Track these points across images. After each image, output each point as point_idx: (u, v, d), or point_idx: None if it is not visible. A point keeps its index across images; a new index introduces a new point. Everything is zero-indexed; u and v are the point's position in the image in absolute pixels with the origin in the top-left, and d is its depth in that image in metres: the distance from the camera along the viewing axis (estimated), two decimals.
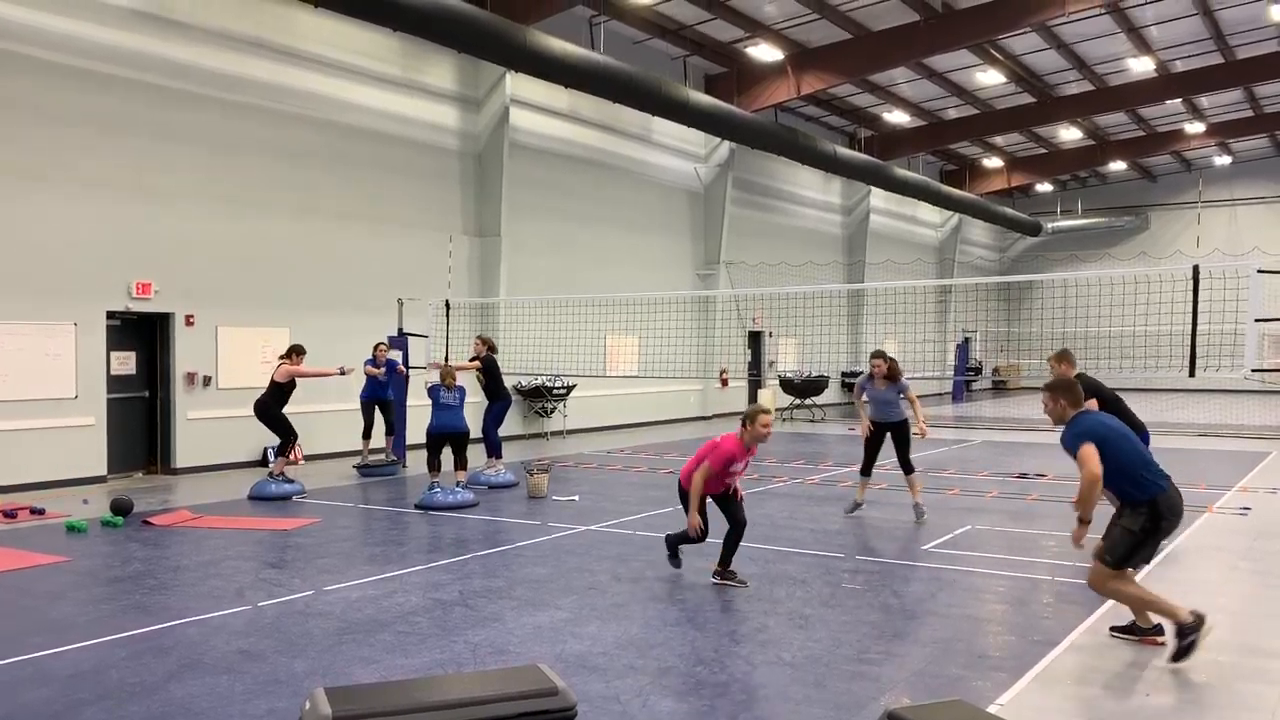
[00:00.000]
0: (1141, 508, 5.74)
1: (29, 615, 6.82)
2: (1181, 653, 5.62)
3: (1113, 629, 6.26)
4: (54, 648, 6.03)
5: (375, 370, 14.20)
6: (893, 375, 10.37)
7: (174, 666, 5.70)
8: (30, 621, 6.65)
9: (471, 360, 13.35)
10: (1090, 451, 5.70)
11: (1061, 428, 6.03)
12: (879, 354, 10.45)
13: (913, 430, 10.48)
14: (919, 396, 10.67)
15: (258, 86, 14.74)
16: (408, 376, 14.81)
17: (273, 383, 12.27)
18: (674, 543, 7.88)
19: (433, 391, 11.91)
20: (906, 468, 10.53)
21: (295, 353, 12.37)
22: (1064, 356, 8.45)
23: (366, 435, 14.33)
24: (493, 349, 13.45)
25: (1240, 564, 8.45)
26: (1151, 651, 5.94)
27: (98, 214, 12.93)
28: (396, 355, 14.70)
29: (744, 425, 7.49)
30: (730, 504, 7.70)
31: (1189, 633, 5.60)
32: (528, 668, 4.52)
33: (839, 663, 5.79)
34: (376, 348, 14.38)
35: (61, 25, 12.53)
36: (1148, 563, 5.76)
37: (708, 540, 7.61)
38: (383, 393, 14.36)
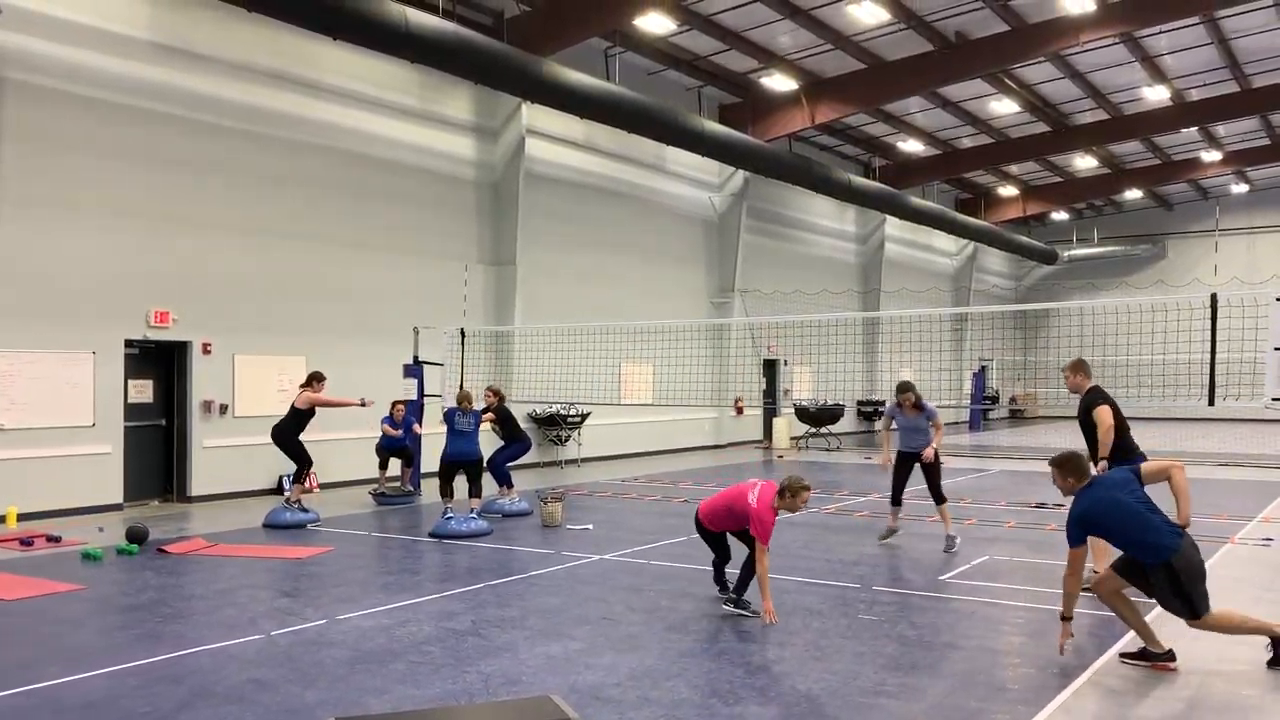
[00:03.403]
0: (1159, 571, 5.85)
1: (44, 643, 6.82)
2: (1133, 659, 6.10)
3: (1123, 656, 6.23)
4: (67, 676, 6.02)
5: (394, 431, 14.16)
6: (919, 404, 10.34)
7: (186, 696, 5.68)
8: (45, 649, 6.65)
9: (484, 413, 13.35)
10: (1072, 558, 5.98)
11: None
12: (907, 387, 10.37)
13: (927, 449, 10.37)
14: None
15: (276, 118, 14.91)
16: (421, 388, 14.77)
17: (292, 409, 12.27)
18: (741, 588, 7.60)
19: (448, 415, 11.94)
20: (937, 498, 10.46)
21: (316, 380, 12.36)
22: (1079, 367, 8.50)
23: (383, 468, 14.33)
24: (502, 398, 13.48)
25: (1264, 596, 8.32)
26: (1173, 681, 5.84)
27: (116, 243, 13.06)
28: (412, 384, 14.71)
29: (782, 495, 7.39)
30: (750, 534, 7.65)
31: (1152, 657, 6.03)
32: (541, 699, 4.49)
33: (856, 695, 5.72)
34: (394, 406, 14.32)
35: (83, 58, 12.72)
36: (1205, 606, 5.99)
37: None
38: (398, 444, 14.33)
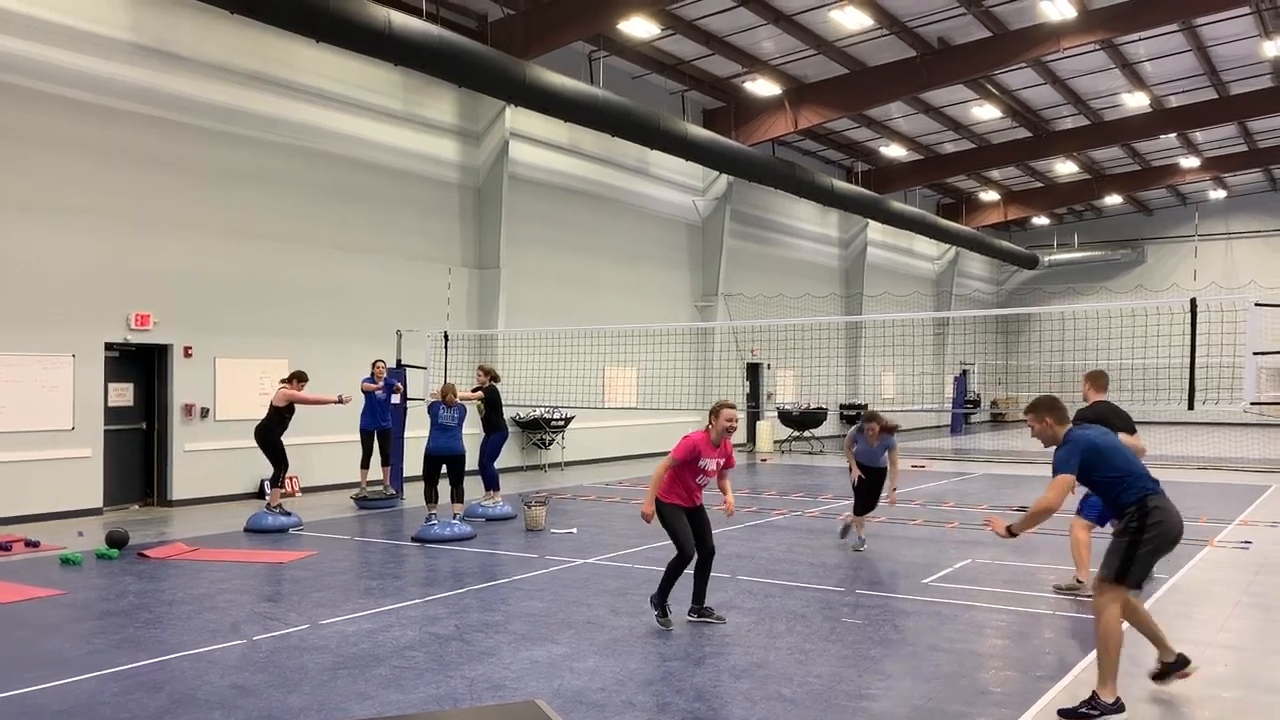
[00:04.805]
0: (1130, 508, 5.52)
1: (21, 649, 6.75)
2: (1157, 676, 5.78)
3: (1061, 712, 5.61)
4: (45, 682, 5.96)
5: (374, 386, 14.12)
6: (883, 433, 10.41)
7: (166, 702, 5.64)
8: (22, 655, 6.58)
9: (474, 390, 13.35)
10: (1060, 483, 5.54)
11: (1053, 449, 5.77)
12: (874, 417, 10.43)
13: (884, 495, 10.56)
14: (908, 430, 10.67)
15: (259, 119, 14.83)
16: (405, 397, 14.75)
17: (272, 407, 12.23)
18: (662, 593, 7.33)
19: (432, 409, 11.88)
20: (868, 508, 10.72)
21: (296, 379, 12.34)
22: (1092, 378, 8.50)
23: (365, 465, 14.27)
24: (495, 379, 13.45)
25: (1243, 599, 8.40)
26: (1156, 687, 5.88)
27: (97, 245, 12.96)
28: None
29: (710, 419, 7.38)
30: (701, 526, 7.43)
31: (1167, 674, 5.74)
32: (525, 704, 4.47)
33: (840, 699, 5.73)
34: (375, 364, 14.33)
35: (64, 58, 12.62)
36: (1139, 585, 5.64)
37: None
38: (383, 420, 14.28)
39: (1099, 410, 8.11)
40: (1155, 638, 5.87)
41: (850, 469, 10.64)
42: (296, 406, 12.36)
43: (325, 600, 8.19)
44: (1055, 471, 5.64)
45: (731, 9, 18.07)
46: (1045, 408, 5.85)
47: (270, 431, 12.15)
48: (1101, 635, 5.49)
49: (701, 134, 20.25)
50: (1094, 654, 6.42)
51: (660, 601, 7.34)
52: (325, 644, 6.84)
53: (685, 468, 7.28)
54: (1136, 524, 5.48)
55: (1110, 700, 5.37)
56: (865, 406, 28.61)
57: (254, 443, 12.34)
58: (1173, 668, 5.84)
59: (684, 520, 7.31)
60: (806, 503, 14.63)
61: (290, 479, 13.92)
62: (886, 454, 10.43)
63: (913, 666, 6.38)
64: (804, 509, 13.92)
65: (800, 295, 26.04)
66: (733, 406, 7.42)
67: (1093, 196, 34.22)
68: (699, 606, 7.52)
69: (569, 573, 9.40)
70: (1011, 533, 5.77)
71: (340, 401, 12.88)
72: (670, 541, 7.38)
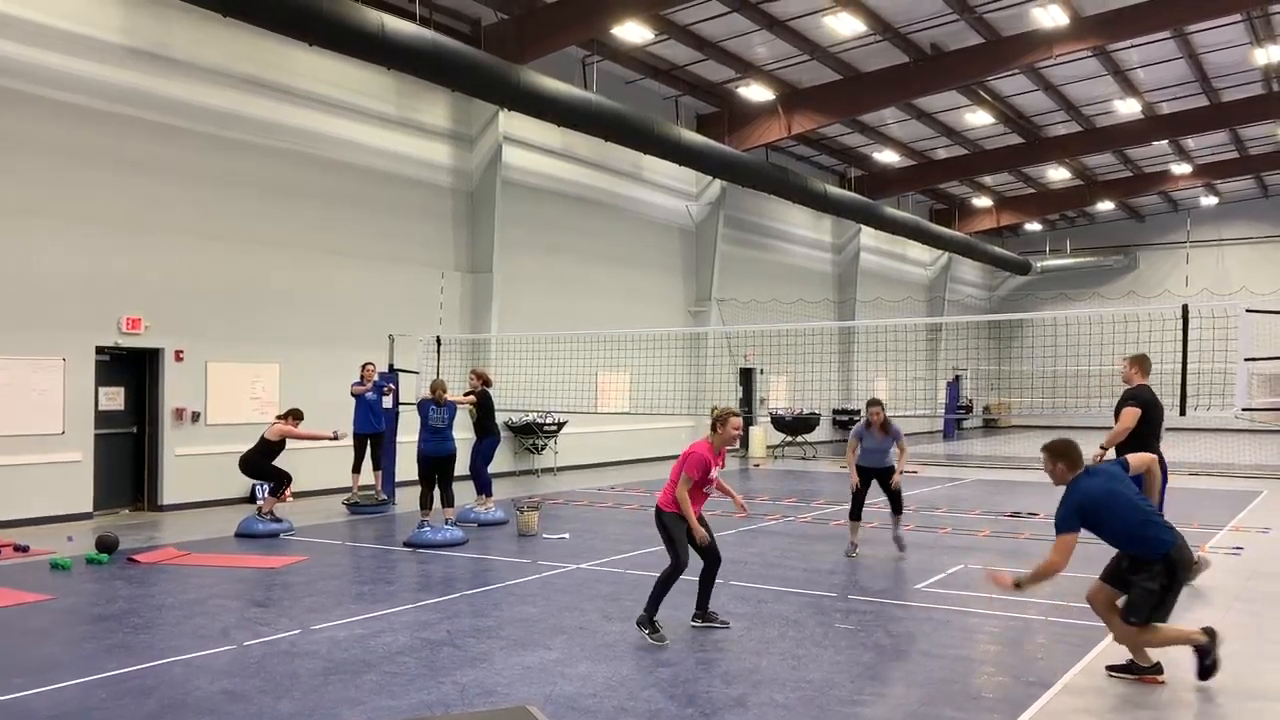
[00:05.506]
0: (1156, 565, 5.81)
1: (11, 654, 6.71)
2: (1206, 672, 5.89)
3: (1110, 668, 6.23)
4: (35, 687, 5.93)
5: (362, 388, 14.11)
6: (886, 425, 10.41)
7: (156, 707, 5.61)
8: (12, 660, 6.54)
9: (467, 395, 13.33)
10: (1062, 544, 5.79)
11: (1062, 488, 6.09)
12: (878, 401, 10.46)
13: (895, 474, 10.54)
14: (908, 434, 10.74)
15: (252, 123, 14.80)
16: (397, 400, 14.74)
17: (263, 439, 12.31)
18: (653, 606, 7.14)
19: (422, 408, 11.89)
20: (899, 509, 10.61)
21: (292, 415, 12.46)
22: (1138, 361, 8.98)
23: (356, 469, 14.25)
24: (487, 383, 13.44)
25: (1235, 604, 8.41)
26: (1148, 690, 5.89)
27: (89, 248, 12.91)
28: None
29: (714, 429, 7.33)
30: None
31: (1139, 670, 6.01)
32: (517, 709, 4.46)
33: (832, 704, 5.72)
34: (364, 367, 14.34)
35: (57, 62, 12.58)
36: (1164, 620, 5.95)
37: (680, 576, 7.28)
38: (376, 424, 14.27)
39: (1146, 395, 8.71)
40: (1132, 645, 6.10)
41: (850, 473, 10.61)
42: (288, 441, 12.45)
43: (316, 605, 8.16)
44: (1057, 528, 5.88)
45: (725, 14, 18.09)
46: (1059, 453, 6.04)
47: (256, 462, 12.31)
48: (1170, 642, 5.95)
49: (695, 139, 20.27)
50: (1085, 661, 6.50)
51: (650, 616, 7.09)
52: (316, 649, 6.81)
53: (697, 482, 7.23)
54: (1167, 581, 5.79)
55: (1149, 663, 6.05)
56: (858, 413, 28.68)
57: (240, 470, 12.45)
58: (1144, 670, 6.07)
59: (684, 532, 7.27)
60: (799, 508, 14.62)
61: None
62: (894, 447, 10.41)
63: (905, 672, 6.37)
64: (797, 514, 13.91)
65: (793, 300, 26.04)
66: (739, 415, 7.44)
67: (1085, 202, 34.32)
68: (703, 612, 7.51)
69: (561, 578, 9.38)
70: (1018, 586, 5.97)
71: (335, 438, 12.97)
72: (665, 550, 7.33)
